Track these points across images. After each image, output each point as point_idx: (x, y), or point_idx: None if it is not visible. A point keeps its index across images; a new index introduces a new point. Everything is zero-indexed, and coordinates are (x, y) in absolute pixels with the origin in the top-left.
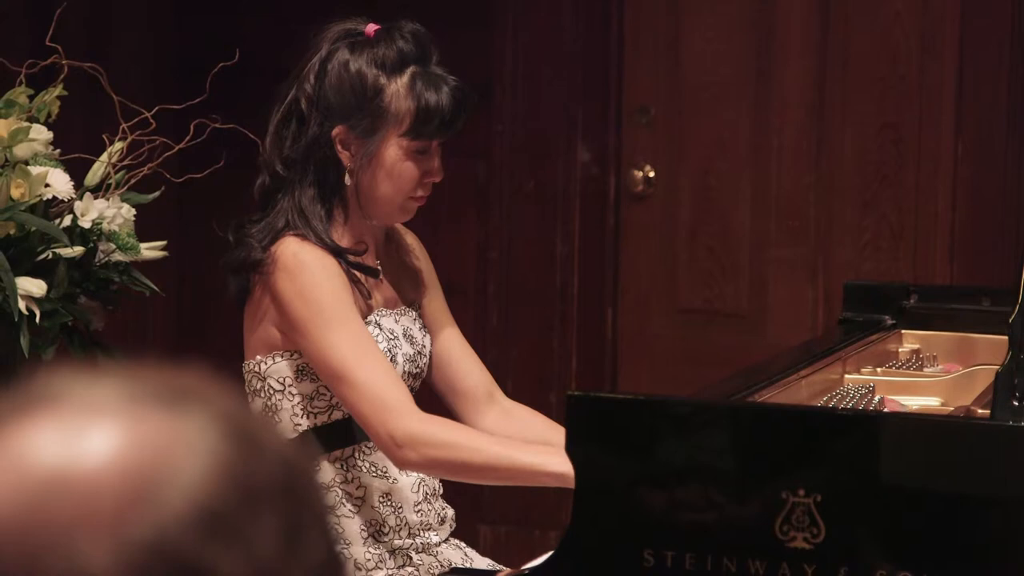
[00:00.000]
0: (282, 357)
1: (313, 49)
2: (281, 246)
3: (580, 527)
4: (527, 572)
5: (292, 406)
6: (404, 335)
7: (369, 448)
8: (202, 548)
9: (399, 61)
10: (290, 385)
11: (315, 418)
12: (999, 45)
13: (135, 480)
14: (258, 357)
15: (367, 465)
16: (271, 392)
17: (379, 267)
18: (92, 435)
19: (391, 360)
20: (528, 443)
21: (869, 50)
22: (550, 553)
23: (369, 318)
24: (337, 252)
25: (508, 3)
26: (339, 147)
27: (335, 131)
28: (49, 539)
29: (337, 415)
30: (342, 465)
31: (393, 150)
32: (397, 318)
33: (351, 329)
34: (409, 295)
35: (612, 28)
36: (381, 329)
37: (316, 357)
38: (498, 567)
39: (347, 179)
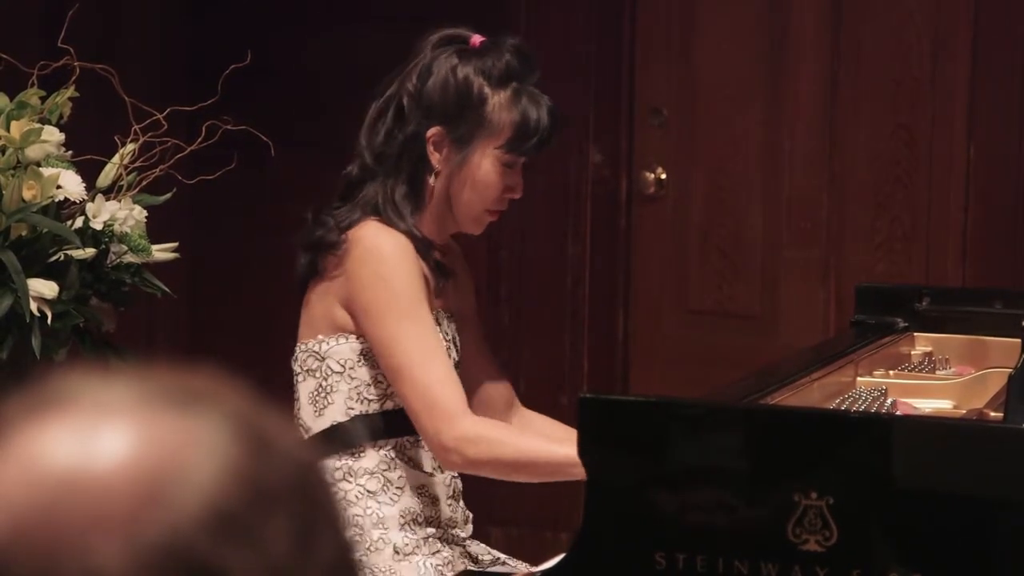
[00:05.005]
0: (347, 339)
1: (416, 51)
2: (362, 229)
3: (592, 529)
4: (539, 574)
5: (348, 389)
6: (452, 342)
7: (410, 443)
8: (215, 549)
9: (506, 74)
10: (350, 368)
11: (368, 405)
12: (1013, 46)
13: (148, 481)
14: (320, 336)
15: (407, 458)
16: (329, 373)
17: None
18: (105, 436)
19: None
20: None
21: (882, 51)
22: (562, 555)
23: (432, 314)
24: (426, 245)
25: (521, 5)
26: (431, 148)
27: (431, 132)
28: (62, 540)
29: (389, 405)
30: (386, 454)
31: (485, 161)
32: (448, 323)
33: (421, 324)
34: (455, 304)
35: (624, 30)
36: (441, 330)
37: (381, 345)
38: (516, 562)
39: (431, 180)
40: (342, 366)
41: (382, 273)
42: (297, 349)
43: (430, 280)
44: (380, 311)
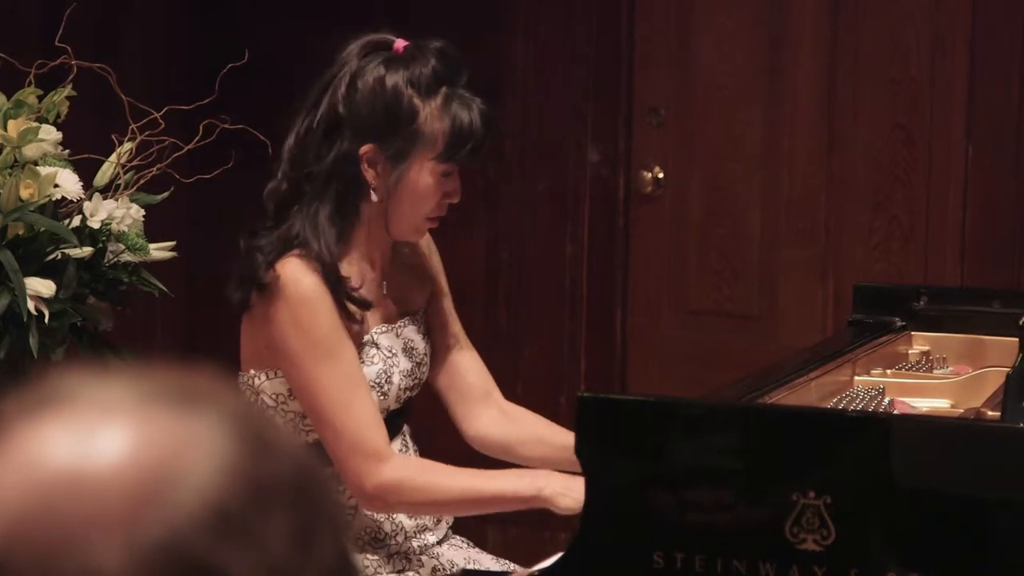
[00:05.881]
0: (276, 375)
1: (341, 60)
2: (284, 268)
3: (590, 528)
4: (537, 573)
5: (284, 423)
6: (404, 349)
7: None
8: (213, 548)
9: (433, 81)
10: (283, 402)
11: (307, 435)
12: (1011, 45)
13: (147, 480)
14: (252, 371)
15: None
16: (264, 407)
17: (384, 286)
18: (104, 435)
19: (387, 380)
20: (497, 471)
21: (880, 51)
22: (560, 554)
23: (366, 338)
24: (336, 280)
25: (519, 4)
26: (365, 165)
27: (363, 149)
28: (61, 539)
29: None
30: (335, 478)
31: (423, 174)
32: (398, 332)
33: (340, 366)
34: (415, 301)
35: (623, 29)
36: (379, 348)
37: (302, 389)
38: (505, 563)
39: (373, 197)
40: (275, 400)
41: (297, 318)
42: (239, 380)
43: (345, 311)
44: (297, 356)
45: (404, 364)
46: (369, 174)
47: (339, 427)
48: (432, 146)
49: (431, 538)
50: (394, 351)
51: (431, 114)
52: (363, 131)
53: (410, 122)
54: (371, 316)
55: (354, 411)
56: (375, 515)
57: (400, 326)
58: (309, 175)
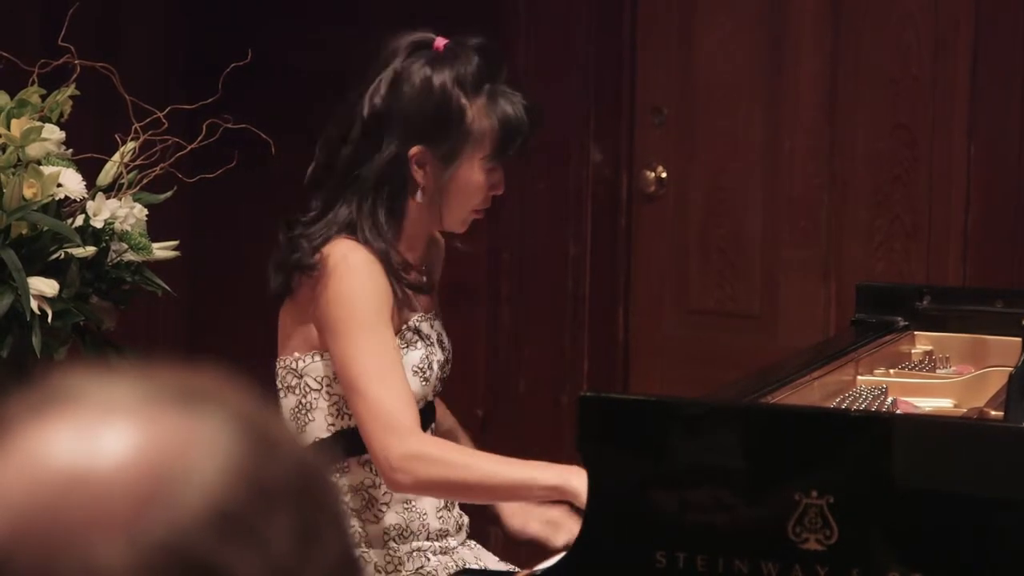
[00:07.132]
0: (321, 357)
1: (384, 60)
2: (333, 247)
3: (592, 528)
4: (539, 573)
5: (328, 406)
6: (437, 341)
7: None
8: (217, 548)
9: (478, 79)
10: (327, 385)
11: (349, 420)
12: (1012, 46)
13: (150, 480)
14: (296, 354)
15: None
16: (307, 390)
17: (425, 278)
18: (107, 435)
19: (428, 366)
20: (524, 460)
21: (882, 51)
22: (562, 554)
23: (410, 324)
24: (402, 265)
25: (519, 4)
26: (414, 166)
27: (413, 151)
28: (64, 539)
29: None
30: (371, 468)
31: (473, 172)
32: (432, 323)
33: (379, 340)
34: (434, 302)
35: (624, 29)
36: (420, 336)
37: (338, 360)
38: (508, 566)
39: (419, 197)
40: (319, 383)
41: (343, 289)
42: (276, 365)
43: (399, 296)
44: (339, 325)
45: (439, 355)
46: (419, 175)
47: (371, 397)
48: (482, 144)
49: (452, 542)
50: (432, 340)
51: (478, 112)
52: (411, 132)
53: (459, 121)
54: (413, 305)
55: (388, 384)
56: (403, 514)
57: (432, 318)
58: (352, 174)
